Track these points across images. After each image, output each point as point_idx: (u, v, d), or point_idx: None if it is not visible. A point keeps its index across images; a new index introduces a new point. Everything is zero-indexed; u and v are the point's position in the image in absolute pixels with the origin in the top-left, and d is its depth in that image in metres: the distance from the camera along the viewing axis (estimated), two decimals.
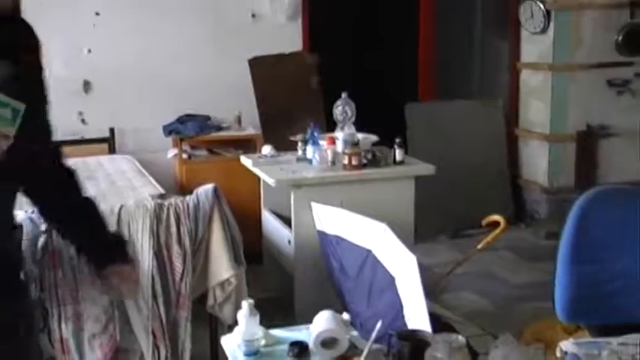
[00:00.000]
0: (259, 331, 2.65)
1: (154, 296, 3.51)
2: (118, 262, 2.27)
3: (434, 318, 3.48)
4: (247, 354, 2.62)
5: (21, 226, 3.24)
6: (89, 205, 2.30)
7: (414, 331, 2.69)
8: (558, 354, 3.18)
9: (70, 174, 2.26)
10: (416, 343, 2.56)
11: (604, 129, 6.20)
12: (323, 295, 4.20)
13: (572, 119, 6.20)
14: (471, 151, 6.33)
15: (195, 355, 3.63)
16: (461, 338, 2.37)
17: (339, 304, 4.12)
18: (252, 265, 4.15)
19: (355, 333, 2.73)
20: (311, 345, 2.55)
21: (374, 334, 2.19)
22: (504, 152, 6.48)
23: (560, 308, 3.08)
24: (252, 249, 4.22)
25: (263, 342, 2.68)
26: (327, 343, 2.60)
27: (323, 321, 2.66)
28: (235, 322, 3.72)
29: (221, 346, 3.71)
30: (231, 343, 2.72)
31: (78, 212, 2.26)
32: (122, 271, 2.27)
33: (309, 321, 3.89)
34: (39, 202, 2.24)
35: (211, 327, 3.81)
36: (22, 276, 2.08)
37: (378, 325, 2.20)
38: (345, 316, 2.77)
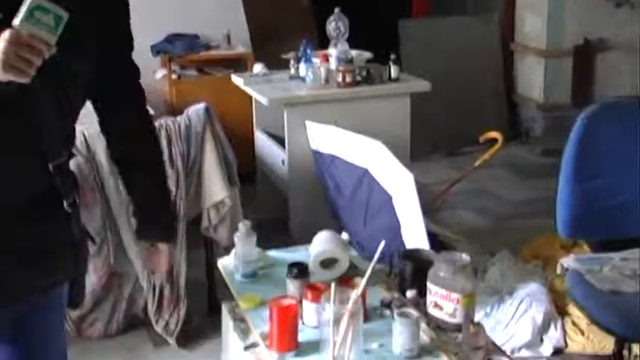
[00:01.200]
0: (256, 253, 2.58)
1: None
2: (158, 239, 2.16)
3: (431, 237, 3.43)
4: (245, 276, 2.56)
5: None
6: (158, 159, 2.20)
7: (416, 251, 2.63)
8: (559, 270, 3.14)
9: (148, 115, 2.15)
10: (418, 262, 2.50)
11: (602, 43, 6.07)
12: (318, 215, 4.15)
13: (568, 33, 6.07)
14: (466, 68, 6.21)
15: (191, 278, 3.57)
16: (465, 256, 2.30)
17: (334, 224, 4.07)
18: (245, 186, 4.07)
19: (354, 253, 2.66)
20: (310, 266, 2.48)
21: (377, 255, 2.12)
22: (500, 68, 6.37)
23: (561, 225, 3.01)
24: (244, 170, 4.14)
25: (260, 263, 2.61)
26: (327, 263, 2.53)
27: (322, 241, 2.58)
28: (231, 244, 3.69)
29: (217, 269, 3.67)
30: (228, 265, 2.65)
31: (145, 158, 2.13)
32: (155, 255, 2.17)
33: (305, 241, 3.83)
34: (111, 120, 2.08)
35: (206, 249, 3.75)
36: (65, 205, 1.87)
37: (381, 245, 2.12)
38: (344, 235, 2.70)
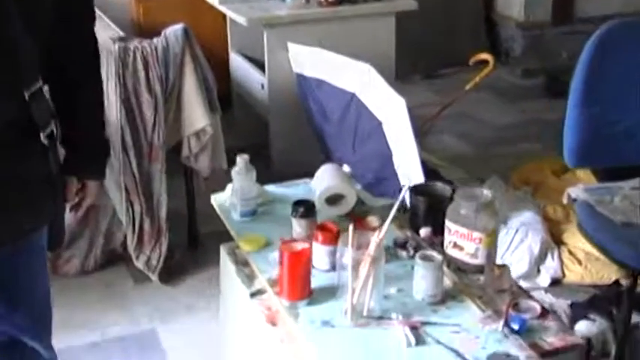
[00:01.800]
0: (256, 190, 2.36)
1: (124, 149, 3.18)
2: (91, 176, 1.97)
3: (423, 164, 3.25)
4: (244, 214, 2.35)
5: None
6: (97, 89, 1.97)
7: (428, 185, 2.43)
8: (565, 200, 2.98)
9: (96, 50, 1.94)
10: (431, 197, 2.31)
11: None
12: (300, 141, 3.94)
13: None
14: None
15: (171, 209, 3.34)
16: (487, 192, 2.11)
17: (317, 150, 3.87)
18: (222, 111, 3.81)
19: (359, 186, 2.45)
20: (316, 203, 2.28)
21: (401, 196, 1.92)
22: None
23: (568, 152, 2.82)
24: (219, 95, 3.86)
25: (259, 200, 2.40)
26: (333, 199, 2.33)
27: (326, 177, 2.38)
28: (212, 174, 3.48)
29: (198, 199, 3.48)
30: (224, 202, 2.44)
31: (87, 78, 1.92)
32: (85, 191, 1.97)
33: (287, 169, 3.63)
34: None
35: (187, 179, 3.52)
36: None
37: (404, 190, 1.92)
38: (346, 168, 2.49)
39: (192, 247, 3.54)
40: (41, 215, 1.79)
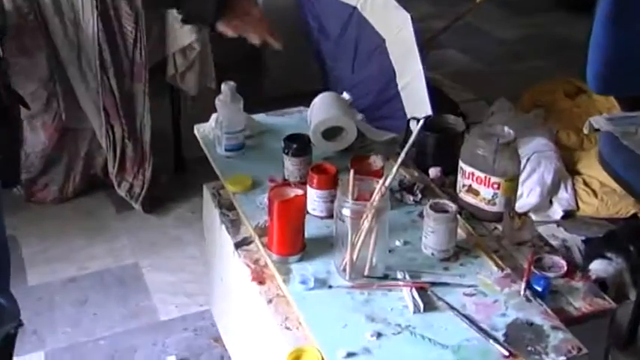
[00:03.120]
0: (243, 121, 2.06)
1: (103, 67, 2.85)
2: None
3: (428, 85, 2.95)
4: (230, 149, 2.05)
5: None
6: None
7: (438, 118, 2.13)
8: (586, 130, 2.66)
9: None
10: (442, 132, 2.02)
11: None
12: (297, 62, 3.61)
13: None
14: None
15: (156, 132, 3.04)
16: (508, 131, 1.81)
17: (315, 73, 3.55)
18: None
19: (360, 117, 2.15)
20: (311, 137, 1.98)
21: (415, 133, 1.61)
22: None
23: (592, 76, 2.50)
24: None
25: (247, 132, 2.10)
26: (330, 133, 2.03)
27: (323, 106, 2.07)
28: (200, 95, 3.17)
29: (185, 122, 3.16)
30: (208, 134, 2.14)
31: None
32: None
33: (282, 93, 3.31)
34: None
35: (172, 100, 3.21)
36: None
37: (420, 123, 1.61)
38: (346, 96, 2.18)
39: (178, 173, 3.25)
40: None
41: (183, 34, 2.97)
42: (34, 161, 2.99)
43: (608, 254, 2.71)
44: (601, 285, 2.63)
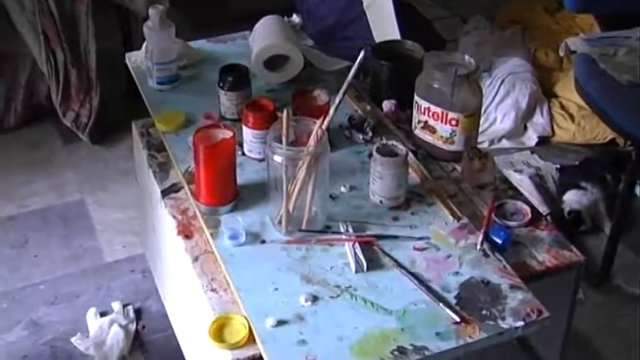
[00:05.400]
0: (176, 50, 1.83)
1: None
2: None
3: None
4: (162, 81, 1.83)
5: None
6: None
7: (394, 43, 1.90)
8: (562, 52, 2.46)
9: None
10: (398, 60, 1.79)
11: None
12: None
13: None
14: None
15: (104, 56, 2.79)
16: (469, 59, 1.59)
17: None
18: None
19: (310, 42, 1.92)
20: (251, 67, 1.76)
21: (356, 65, 1.38)
22: None
23: None
24: None
25: (184, 61, 1.87)
26: (274, 62, 1.81)
27: (267, 32, 1.84)
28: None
29: (136, 44, 2.91)
30: (140, 64, 1.91)
31: None
32: None
33: (248, 5, 3.05)
34: None
35: (121, 21, 2.94)
36: None
37: (361, 55, 1.38)
38: (295, 18, 1.94)
39: (130, 101, 3.01)
40: None
41: None
42: None
43: (583, 184, 2.53)
44: (576, 217, 2.46)
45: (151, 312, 2.13)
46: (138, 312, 2.13)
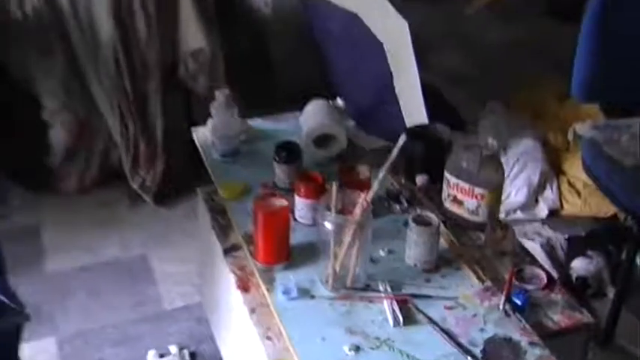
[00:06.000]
0: (238, 126, 1.90)
1: (117, 68, 2.69)
2: None
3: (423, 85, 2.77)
4: (224, 154, 1.89)
5: None
6: None
7: (426, 127, 1.95)
8: (570, 137, 2.51)
9: None
10: (429, 140, 1.84)
11: None
12: (303, 58, 3.43)
13: None
14: None
15: (170, 128, 2.87)
16: (492, 142, 1.64)
17: (317, 70, 3.37)
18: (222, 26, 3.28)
19: (352, 123, 1.98)
20: (302, 144, 1.82)
21: (396, 149, 1.44)
22: None
23: (577, 86, 2.31)
24: (221, 10, 3.31)
25: (243, 137, 1.94)
26: (322, 140, 1.86)
27: (315, 113, 1.90)
28: (210, 95, 2.99)
29: (197, 119, 2.99)
30: (205, 139, 1.97)
31: None
32: None
33: (290, 88, 3.14)
34: None
35: (185, 98, 3.02)
36: None
37: (401, 139, 1.43)
38: (339, 102, 2.01)
39: (190, 168, 3.08)
40: None
41: (194, 39, 2.80)
42: (54, 155, 2.84)
43: (589, 253, 2.54)
44: (582, 282, 2.47)
45: (204, 356, 2.15)
46: (193, 355, 2.16)
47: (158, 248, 2.65)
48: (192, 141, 3.03)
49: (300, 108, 2.07)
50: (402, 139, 1.41)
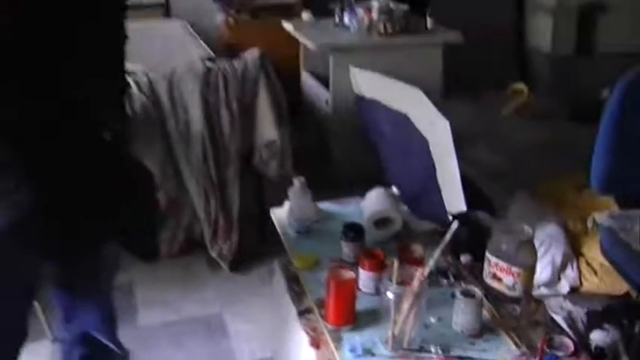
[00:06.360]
0: (312, 209, 2.00)
1: (205, 157, 2.85)
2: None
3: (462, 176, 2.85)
4: (299, 231, 1.99)
5: None
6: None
7: (470, 213, 2.03)
8: (590, 224, 2.54)
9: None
10: (473, 225, 1.92)
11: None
12: (359, 151, 3.55)
13: None
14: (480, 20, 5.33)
15: (244, 207, 3.00)
16: (527, 229, 1.71)
17: (371, 160, 3.47)
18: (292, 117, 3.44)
19: (406, 208, 2.07)
20: (364, 225, 1.91)
21: (448, 235, 1.53)
22: (512, 20, 5.51)
23: (596, 180, 2.38)
24: (292, 103, 3.47)
25: (314, 217, 2.04)
26: (380, 222, 1.96)
27: (375, 200, 2.00)
28: (280, 177, 3.12)
29: (267, 199, 3.11)
30: (282, 218, 2.08)
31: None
32: None
33: (347, 175, 3.25)
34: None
35: (258, 182, 3.17)
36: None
37: (454, 225, 1.53)
38: (394, 190, 2.11)
39: (260, 240, 3.19)
40: None
41: (268, 132, 2.95)
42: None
43: (606, 325, 2.54)
44: (600, 352, 2.46)
45: None
46: None
47: (232, 308, 2.74)
48: (261, 218, 3.16)
49: (360, 194, 2.18)
50: (455, 225, 1.50)
